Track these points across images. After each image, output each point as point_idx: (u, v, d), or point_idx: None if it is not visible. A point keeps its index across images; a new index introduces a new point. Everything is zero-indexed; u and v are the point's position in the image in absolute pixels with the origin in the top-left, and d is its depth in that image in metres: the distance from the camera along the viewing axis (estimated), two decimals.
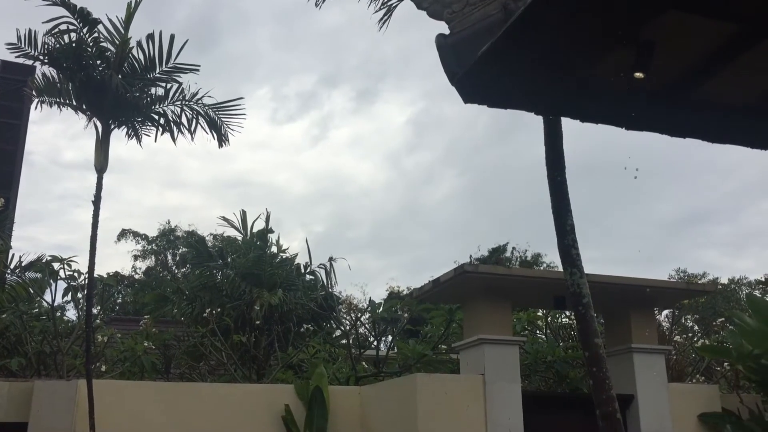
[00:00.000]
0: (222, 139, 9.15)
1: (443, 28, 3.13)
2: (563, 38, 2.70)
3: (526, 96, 3.04)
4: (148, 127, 9.13)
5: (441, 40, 3.04)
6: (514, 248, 36.27)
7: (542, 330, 12.65)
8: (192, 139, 9.17)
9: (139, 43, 8.81)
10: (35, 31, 8.54)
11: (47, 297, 10.53)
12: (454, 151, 50.00)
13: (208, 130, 9.19)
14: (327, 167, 50.54)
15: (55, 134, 46.84)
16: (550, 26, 2.60)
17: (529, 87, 3.00)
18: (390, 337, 13.76)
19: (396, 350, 12.12)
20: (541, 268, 33.48)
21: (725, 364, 11.21)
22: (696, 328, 19.81)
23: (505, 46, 2.67)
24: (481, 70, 2.85)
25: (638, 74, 2.85)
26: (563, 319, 12.48)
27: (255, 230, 14.08)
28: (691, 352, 13.27)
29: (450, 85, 3.04)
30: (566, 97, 3.04)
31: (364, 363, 11.91)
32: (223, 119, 9.13)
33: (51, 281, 10.26)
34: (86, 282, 8.90)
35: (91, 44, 8.73)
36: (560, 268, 6.92)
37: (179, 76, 8.96)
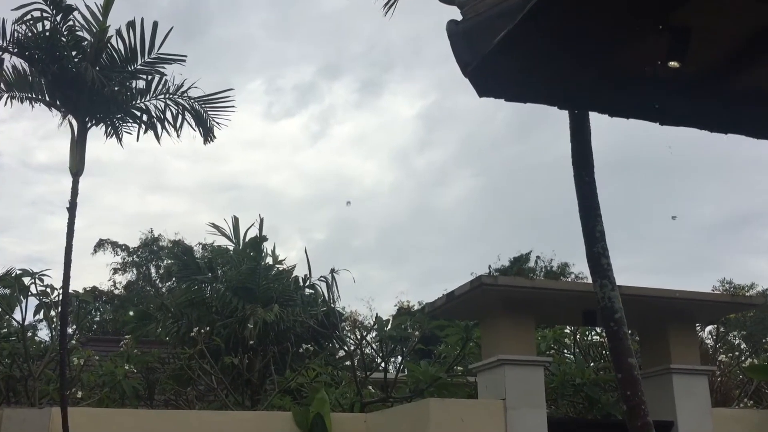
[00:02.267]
0: (208, 135, 9.20)
1: (455, 13, 3.18)
2: (588, 24, 2.71)
3: (548, 89, 3.07)
4: (128, 125, 9.20)
5: (452, 27, 3.06)
6: (538, 257, 36.25)
7: (570, 349, 12.62)
8: (177, 136, 9.23)
9: (118, 32, 8.88)
10: (4, 19, 8.63)
11: (17, 315, 10.56)
12: (469, 149, 50.01)
13: (194, 126, 9.26)
14: (328, 168, 50.61)
15: (26, 133, 47.04)
16: (574, 10, 2.60)
17: (550, 79, 3.02)
18: (399, 358, 13.75)
19: (406, 372, 12.11)
20: (569, 279, 33.42)
21: None
22: (743, 346, 19.71)
23: (524, 33, 2.67)
24: (497, 60, 2.86)
25: (673, 63, 2.85)
26: (593, 337, 12.45)
27: (248, 239, 14.10)
28: (738, 373, 13.21)
29: (463, 76, 3.08)
30: (593, 89, 3.06)
31: (370, 387, 11.90)
32: (210, 113, 9.19)
33: (21, 298, 10.29)
34: (60, 298, 8.93)
35: (65, 33, 8.80)
36: (589, 280, 6.92)
37: (163, 68, 9.03)
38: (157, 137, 9.18)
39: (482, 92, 3.05)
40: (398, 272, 50.02)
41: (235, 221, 14.39)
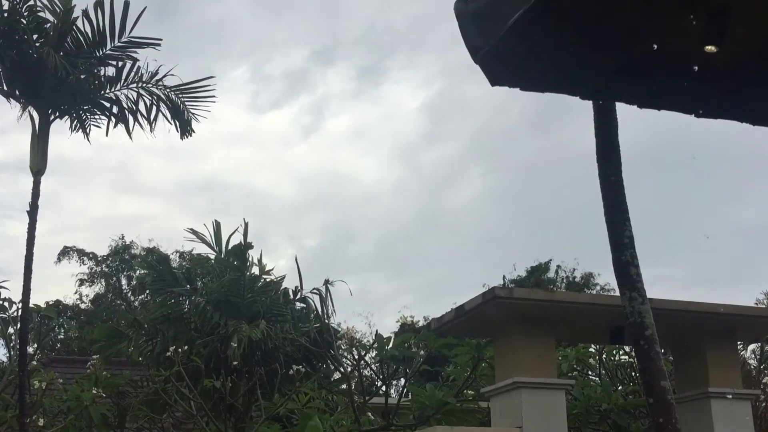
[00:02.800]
0: (186, 129, 9.23)
1: None
2: (615, 3, 2.71)
3: (569, 77, 3.04)
4: (96, 117, 9.23)
5: (461, 7, 3.05)
6: (558, 267, 36.24)
7: (595, 371, 12.62)
8: (151, 130, 9.28)
9: (85, 13, 8.92)
10: None
11: None
12: (481, 144, 50.05)
13: (170, 119, 9.28)
14: (321, 166, 50.69)
15: None
16: None
17: (572, 65, 2.99)
18: (402, 381, 13.76)
19: (410, 397, 12.11)
20: (593, 291, 33.40)
21: None
22: None
23: (542, 13, 2.66)
24: (512, 44, 2.85)
25: (710, 48, 2.84)
26: (621, 357, 12.45)
27: (231, 246, 14.08)
28: None
29: (474, 62, 3.04)
30: (619, 77, 3.03)
31: (369, 413, 11.90)
32: (188, 104, 9.22)
33: None
34: (19, 314, 8.94)
35: (25, 14, 8.83)
36: (617, 292, 6.93)
37: (135, 53, 9.07)
38: (129, 131, 9.23)
39: (495, 80, 3.03)
40: (401, 284, 50.00)
41: (217, 226, 14.36)
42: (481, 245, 49.09)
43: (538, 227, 48.36)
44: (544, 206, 47.84)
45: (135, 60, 9.10)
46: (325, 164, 50.54)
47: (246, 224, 13.92)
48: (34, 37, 8.89)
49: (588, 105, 6.75)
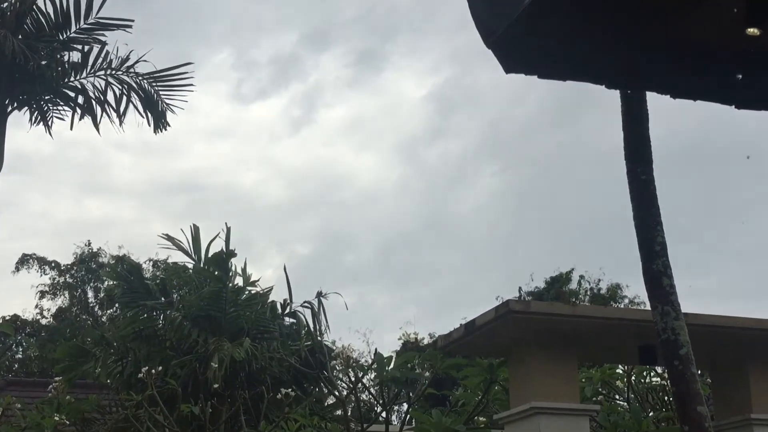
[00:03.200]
0: (160, 122, 9.24)
1: None
2: None
3: (593, 63, 3.08)
4: (60, 109, 9.24)
5: None
6: (581, 277, 36.24)
7: (623, 394, 12.61)
8: (120, 123, 9.28)
9: None
10: None
11: None
12: (494, 139, 50.00)
13: (143, 111, 9.28)
14: (314, 163, 50.62)
15: None
16: None
17: (596, 50, 3.03)
18: (405, 406, 13.74)
19: (413, 424, 12.11)
20: (621, 305, 33.35)
21: None
22: None
23: None
24: (529, 26, 2.86)
25: (752, 30, 2.83)
26: (653, 379, 12.44)
27: (211, 254, 14.08)
28: None
29: (486, 47, 3.05)
30: (650, 64, 3.05)
31: None
32: (163, 94, 9.23)
33: None
34: None
35: None
36: (647, 306, 6.92)
37: (103, 36, 9.09)
38: (96, 124, 9.24)
39: (510, 67, 3.05)
40: (403, 296, 49.89)
41: (195, 231, 14.38)
42: (494, 253, 49.06)
43: (558, 232, 48.30)
44: (565, 209, 47.67)
45: (103, 44, 9.14)
46: (319, 161, 50.44)
47: (228, 229, 13.94)
48: None
49: (614, 95, 6.75)
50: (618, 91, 6.77)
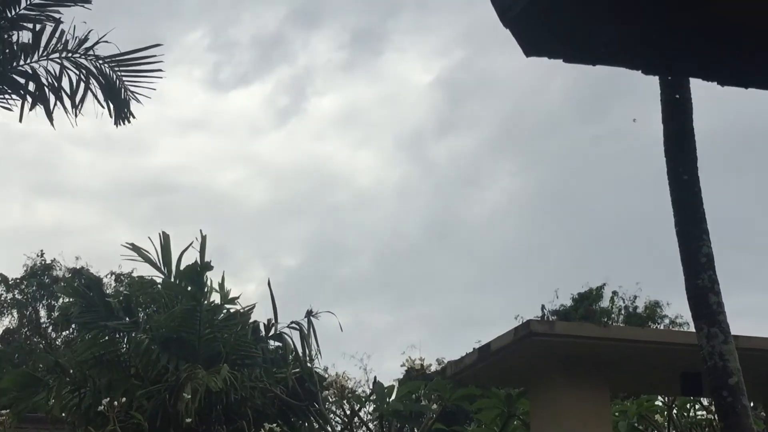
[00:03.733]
0: (123, 113, 9.27)
1: None
2: None
3: (628, 44, 3.08)
4: (7, 97, 9.26)
5: None
6: (614, 293, 36.17)
7: (663, 430, 12.66)
8: (77, 114, 9.30)
9: None
10: None
11: None
12: (513, 133, 50.10)
13: (103, 101, 9.31)
14: (303, 160, 50.78)
15: None
16: None
17: (630, 30, 3.02)
18: None
19: None
20: (660, 326, 33.32)
21: None
22: None
23: None
24: (552, 2, 2.90)
25: None
26: (698, 413, 12.49)
27: (184, 267, 14.12)
28: None
29: (503, 26, 3.05)
30: (694, 46, 3.07)
31: None
32: (126, 80, 9.26)
33: None
34: None
35: None
36: (691, 327, 6.95)
37: (58, 13, 9.11)
38: (50, 115, 9.25)
39: (531, 49, 3.05)
40: (407, 315, 49.94)
41: (165, 240, 14.39)
42: (513, 265, 49.01)
43: (588, 241, 48.21)
44: (596, 214, 47.70)
45: (58, 22, 9.17)
46: (309, 159, 50.55)
47: (204, 237, 13.94)
48: None
49: (653, 82, 6.78)
50: (657, 78, 6.80)
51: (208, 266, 13.74)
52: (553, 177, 49.12)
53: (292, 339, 14.15)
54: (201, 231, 13.80)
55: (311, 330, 13.89)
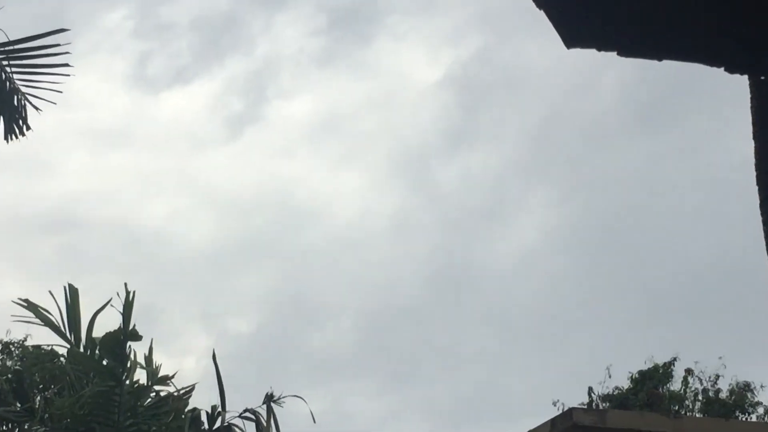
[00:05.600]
0: (15, 125, 8.55)
1: None
2: None
3: (705, 33, 2.73)
4: None
5: None
6: (689, 372, 30.45)
7: None
8: None
9: None
10: None
11: None
12: (547, 148, 41.08)
13: None
14: (263, 186, 43.72)
15: None
16: None
17: (710, 13, 2.65)
18: None
19: None
20: (753, 417, 27.91)
21: None
22: None
23: None
24: None
25: None
26: None
27: (98, 334, 13.29)
28: None
29: (536, 6, 2.78)
30: None
31: None
32: (19, 80, 8.54)
33: None
34: None
35: None
36: None
37: None
38: None
39: (572, 38, 2.73)
40: (403, 400, 40.52)
41: (72, 296, 13.51)
42: (548, 330, 38.56)
43: (651, 298, 35.40)
44: (661, 260, 36.12)
45: None
46: (270, 184, 42.83)
47: (129, 293, 13.04)
48: None
49: (740, 83, 6.28)
50: (746, 77, 6.30)
51: (133, 334, 12.78)
52: (603, 209, 39.91)
53: None
54: (126, 285, 12.73)
55: (272, 420, 12.94)
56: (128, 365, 12.66)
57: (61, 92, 8.71)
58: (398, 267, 40.43)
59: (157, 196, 42.10)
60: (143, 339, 12.44)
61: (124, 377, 12.47)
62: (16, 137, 8.71)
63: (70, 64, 8.64)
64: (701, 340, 34.24)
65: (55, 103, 8.77)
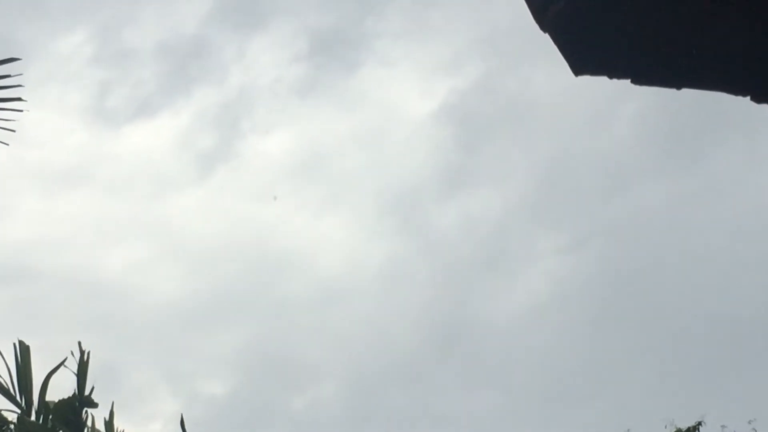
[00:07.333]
0: None
1: None
2: None
3: (727, 58, 2.58)
4: None
5: None
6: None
7: None
8: None
9: None
10: None
11: None
12: (557, 188, 39.37)
13: None
14: (236, 231, 42.53)
15: None
16: None
17: (733, 35, 2.52)
18: None
19: None
20: None
21: None
22: None
23: None
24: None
25: None
26: None
27: (52, 399, 12.90)
28: None
29: (539, 29, 2.69)
30: None
31: None
32: None
33: None
34: None
35: None
36: None
37: None
38: None
39: (581, 65, 2.62)
40: None
41: (23, 355, 13.01)
42: (559, 393, 37.43)
43: (674, 356, 34.62)
44: (686, 313, 35.45)
45: None
46: (245, 229, 42.12)
47: (84, 354, 12.71)
48: None
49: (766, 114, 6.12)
50: None
51: (89, 401, 12.41)
52: (621, 256, 37.28)
53: None
54: (80, 344, 12.36)
55: None
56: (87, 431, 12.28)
57: (14, 131, 8.31)
58: (389, 322, 38.12)
59: (118, 244, 39.62)
60: (103, 403, 12.07)
61: None
62: None
63: (22, 98, 8.21)
64: (729, 401, 31.05)
65: (7, 144, 8.37)
